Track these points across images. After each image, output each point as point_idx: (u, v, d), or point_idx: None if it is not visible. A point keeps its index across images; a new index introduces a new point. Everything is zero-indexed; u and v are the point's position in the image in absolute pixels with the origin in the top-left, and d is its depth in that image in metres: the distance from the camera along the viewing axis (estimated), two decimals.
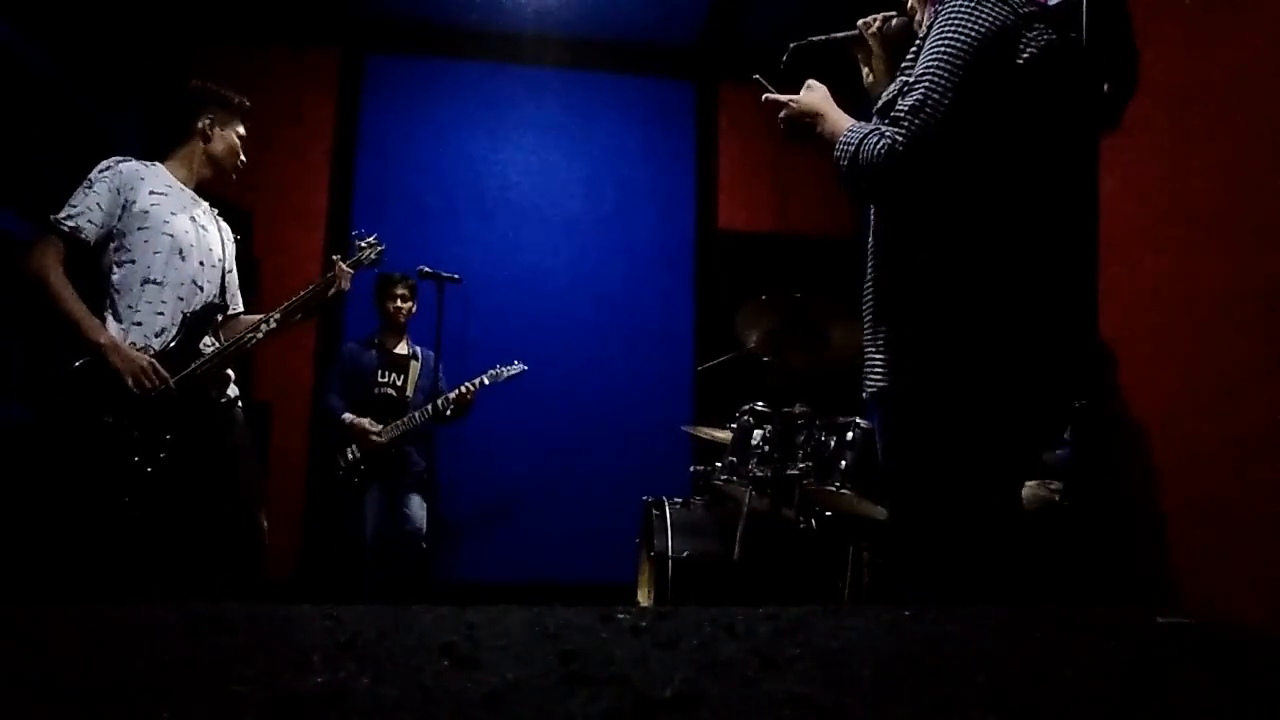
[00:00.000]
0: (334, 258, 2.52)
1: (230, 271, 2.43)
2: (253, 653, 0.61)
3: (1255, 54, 2.07)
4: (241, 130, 2.39)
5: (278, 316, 2.32)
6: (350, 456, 3.42)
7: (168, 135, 2.34)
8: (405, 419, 3.46)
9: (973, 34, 1.29)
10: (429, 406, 3.38)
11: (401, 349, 3.66)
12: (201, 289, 2.26)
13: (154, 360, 2.08)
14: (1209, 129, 2.20)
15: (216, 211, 2.44)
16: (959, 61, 1.29)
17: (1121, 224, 2.36)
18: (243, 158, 2.40)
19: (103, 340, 2.04)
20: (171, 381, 2.10)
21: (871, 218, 1.52)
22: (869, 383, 1.44)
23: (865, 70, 1.66)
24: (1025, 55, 1.30)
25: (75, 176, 2.18)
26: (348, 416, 3.43)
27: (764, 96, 1.58)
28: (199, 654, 0.61)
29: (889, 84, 1.57)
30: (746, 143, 4.72)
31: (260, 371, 4.05)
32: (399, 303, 3.61)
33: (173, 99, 2.37)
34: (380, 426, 3.42)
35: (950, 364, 1.33)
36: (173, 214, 2.21)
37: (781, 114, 1.54)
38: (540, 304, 4.47)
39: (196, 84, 2.36)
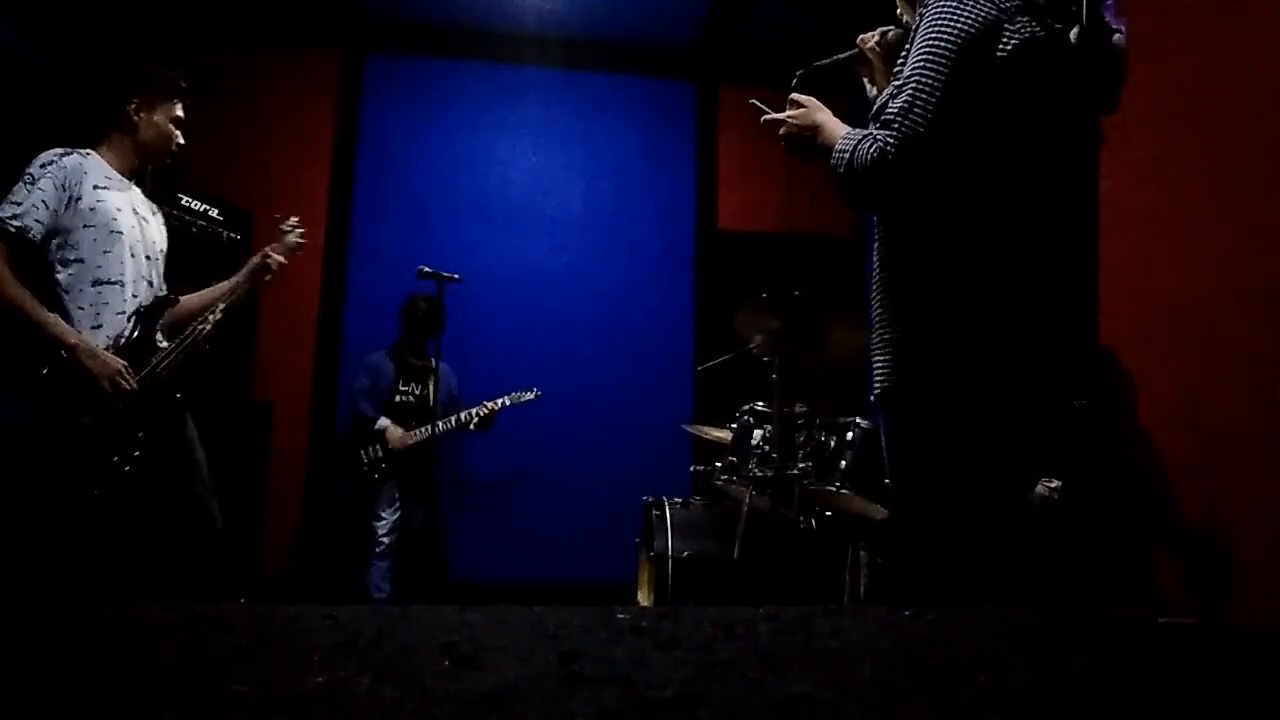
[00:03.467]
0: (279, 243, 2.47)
1: (165, 258, 2.38)
2: (253, 653, 0.61)
3: (1255, 55, 2.07)
4: (177, 112, 2.26)
5: (223, 306, 2.29)
6: (374, 454, 3.61)
7: (101, 117, 2.22)
8: (431, 425, 3.54)
9: (957, 31, 1.31)
10: (454, 418, 3.63)
11: (423, 361, 3.78)
12: (151, 284, 2.24)
13: (126, 363, 2.06)
14: (1208, 130, 2.20)
15: (145, 195, 2.36)
16: (944, 60, 1.30)
17: (1121, 225, 2.36)
18: (179, 141, 2.28)
19: (75, 342, 2.00)
20: (136, 381, 2.09)
21: (876, 220, 1.53)
22: (875, 383, 1.46)
23: (869, 85, 1.68)
24: (1007, 49, 1.32)
25: None
26: (383, 421, 3.64)
27: (762, 119, 1.61)
28: (199, 654, 0.61)
29: None
30: (746, 143, 4.72)
31: (260, 371, 4.05)
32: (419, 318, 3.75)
33: (104, 78, 2.26)
34: (402, 431, 3.64)
35: (954, 361, 1.34)
36: (119, 210, 2.15)
37: (781, 131, 1.57)
38: (540, 304, 4.46)
39: (126, 63, 2.25)
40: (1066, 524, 2.06)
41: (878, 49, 1.64)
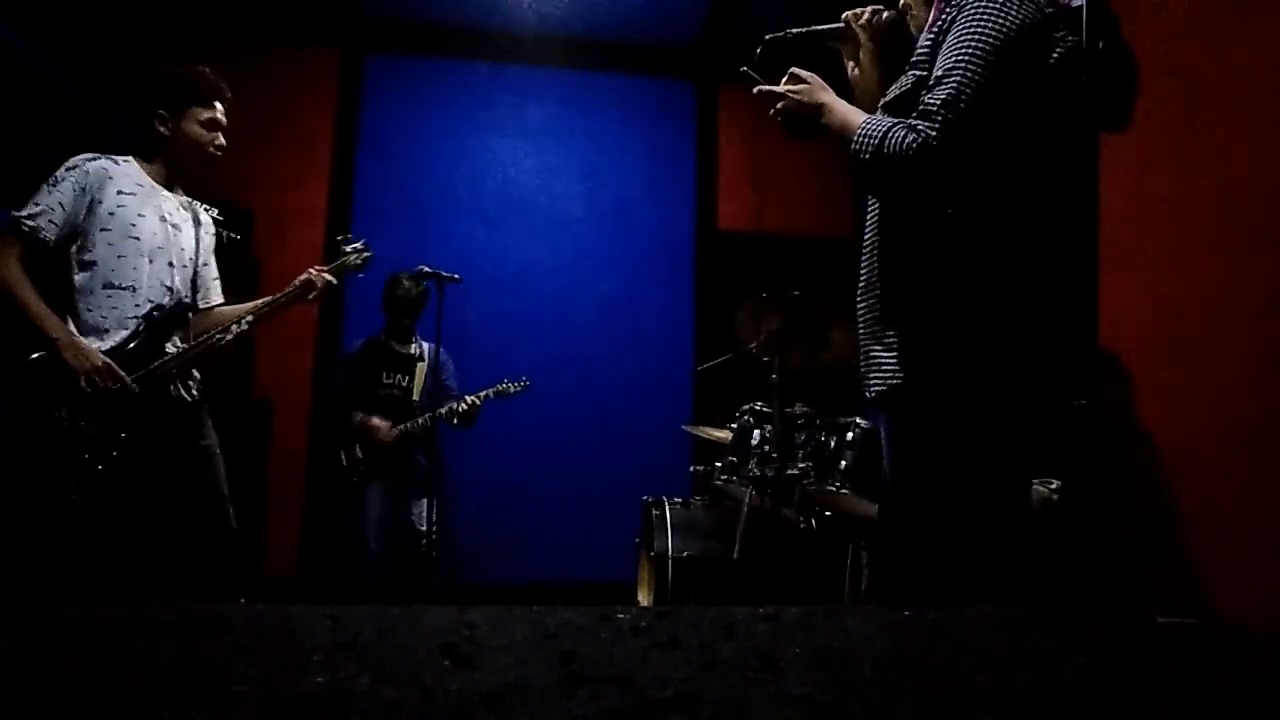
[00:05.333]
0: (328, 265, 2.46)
1: (205, 265, 2.36)
2: (253, 653, 0.61)
3: (1256, 56, 2.07)
4: (206, 115, 2.21)
5: (250, 319, 2.27)
6: (354, 454, 3.41)
7: (141, 130, 2.22)
8: (411, 422, 3.44)
9: (1003, 28, 1.27)
10: (433, 413, 3.39)
11: (407, 349, 3.62)
12: (171, 290, 2.20)
13: (109, 360, 2.03)
14: (1209, 132, 2.20)
15: (195, 203, 2.35)
16: (991, 57, 1.27)
17: (1121, 226, 2.36)
18: (218, 142, 2.25)
19: (57, 336, 1.99)
20: (129, 380, 2.05)
21: (870, 215, 1.49)
22: (874, 382, 1.41)
23: (850, 64, 1.60)
24: (1056, 55, 1.29)
25: None
26: (358, 414, 3.44)
27: (756, 89, 1.51)
28: (199, 654, 0.61)
29: (878, 78, 1.54)
30: (747, 143, 4.72)
31: (260, 370, 4.05)
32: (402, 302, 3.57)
33: (136, 92, 2.25)
34: (388, 425, 3.43)
35: (965, 363, 1.31)
36: (140, 215, 2.14)
37: (779, 105, 1.46)
38: (540, 304, 4.46)
39: (152, 74, 2.21)
40: (1066, 524, 2.06)
41: (868, 27, 1.56)
